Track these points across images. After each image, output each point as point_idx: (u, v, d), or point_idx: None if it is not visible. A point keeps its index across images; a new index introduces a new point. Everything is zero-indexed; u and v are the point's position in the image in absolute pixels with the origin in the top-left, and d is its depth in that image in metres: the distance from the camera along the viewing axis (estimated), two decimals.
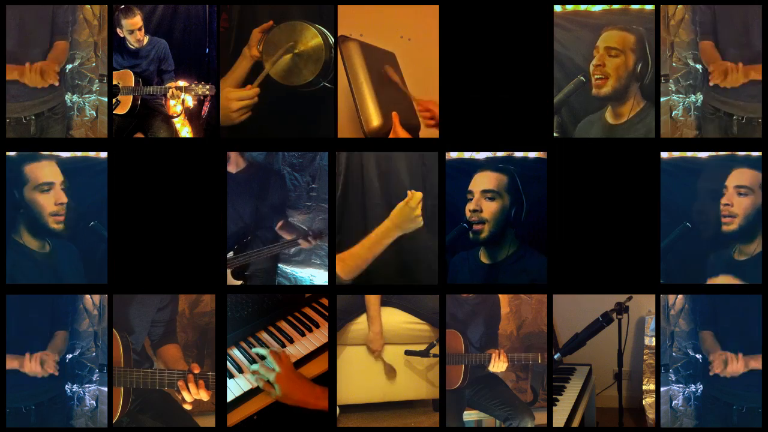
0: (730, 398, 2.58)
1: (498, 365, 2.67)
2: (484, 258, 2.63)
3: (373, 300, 2.73)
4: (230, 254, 2.69)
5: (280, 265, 2.92)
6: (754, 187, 2.57)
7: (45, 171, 2.56)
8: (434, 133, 2.62)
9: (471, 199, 2.58)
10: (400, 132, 2.49)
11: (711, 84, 2.59)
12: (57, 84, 2.61)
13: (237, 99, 2.62)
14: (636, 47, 2.60)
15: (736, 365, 2.55)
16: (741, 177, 2.58)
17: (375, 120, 2.47)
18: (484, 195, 2.57)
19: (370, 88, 2.48)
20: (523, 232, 2.60)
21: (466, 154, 2.65)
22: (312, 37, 2.61)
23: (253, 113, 2.64)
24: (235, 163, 2.74)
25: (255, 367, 2.38)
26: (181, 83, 2.75)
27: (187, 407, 2.48)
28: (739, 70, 2.58)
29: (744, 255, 2.59)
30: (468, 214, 2.58)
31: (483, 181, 2.59)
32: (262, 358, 2.40)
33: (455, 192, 2.62)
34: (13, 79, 2.60)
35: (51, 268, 2.60)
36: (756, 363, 2.57)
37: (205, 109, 2.78)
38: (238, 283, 2.73)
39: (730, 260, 2.59)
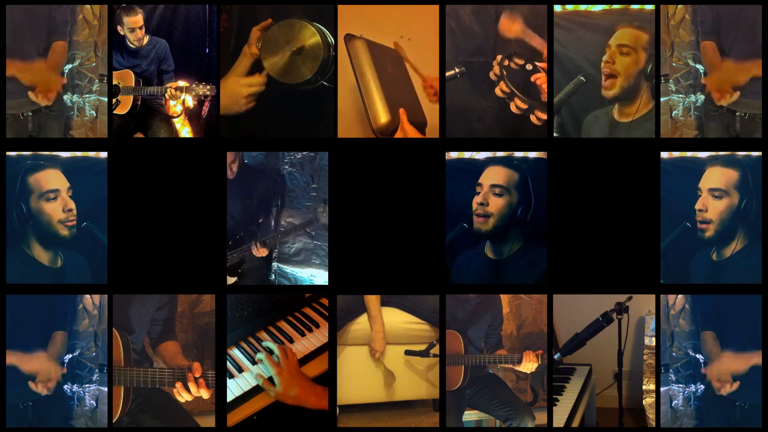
0: (733, 395, 2.58)
1: (528, 365, 2.66)
2: (489, 253, 2.64)
3: (373, 300, 2.73)
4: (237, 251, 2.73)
5: (280, 265, 2.92)
6: (729, 188, 2.56)
7: (49, 179, 2.57)
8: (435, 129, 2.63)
9: (479, 192, 2.59)
10: (407, 128, 2.50)
11: (717, 104, 2.60)
12: (51, 102, 2.62)
13: (247, 85, 2.65)
14: (648, 46, 2.60)
15: (728, 388, 2.57)
16: (715, 178, 2.56)
17: (383, 117, 2.48)
18: (492, 189, 2.58)
19: (377, 86, 2.49)
20: (528, 231, 2.61)
21: (467, 154, 2.65)
22: (310, 36, 2.62)
23: (258, 103, 2.66)
24: (230, 170, 2.74)
25: (260, 356, 2.38)
26: (182, 83, 2.75)
27: (186, 399, 2.48)
28: (733, 96, 2.58)
29: (721, 257, 2.59)
30: (474, 206, 2.59)
31: (493, 175, 2.60)
32: (271, 352, 2.40)
33: (456, 192, 2.62)
34: (12, 75, 2.61)
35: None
36: (757, 359, 2.57)
37: (205, 109, 2.78)
38: (233, 279, 2.73)
39: (710, 262, 2.60)
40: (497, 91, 2.62)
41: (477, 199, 2.60)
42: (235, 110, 2.67)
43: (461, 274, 2.65)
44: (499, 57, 2.62)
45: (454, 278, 2.65)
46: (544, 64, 2.62)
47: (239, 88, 2.66)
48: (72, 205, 2.56)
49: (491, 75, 2.63)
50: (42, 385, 2.56)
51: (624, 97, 2.63)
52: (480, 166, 2.63)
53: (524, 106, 2.59)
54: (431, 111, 2.65)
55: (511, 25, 2.61)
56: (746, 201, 2.55)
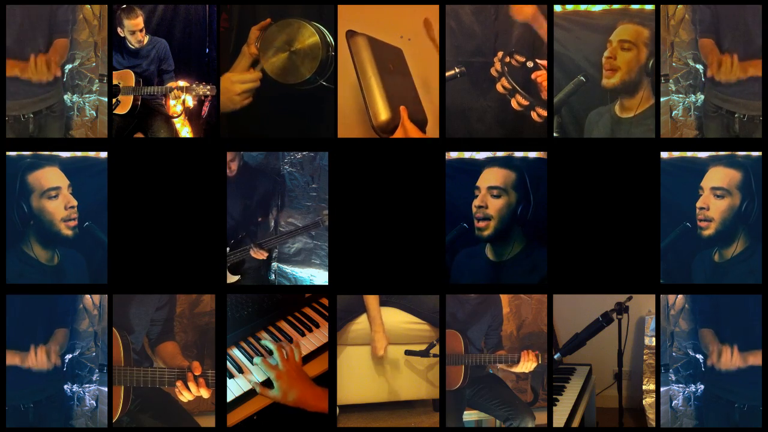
0: (731, 396, 2.58)
1: (527, 365, 2.65)
2: (490, 255, 2.64)
3: (372, 300, 2.73)
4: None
5: (280, 265, 2.92)
6: (731, 188, 2.56)
7: (49, 177, 2.57)
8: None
9: (477, 196, 2.60)
10: (408, 126, 2.50)
11: (709, 75, 2.59)
12: (59, 75, 2.61)
13: (240, 82, 2.65)
14: (649, 42, 2.60)
15: (729, 358, 2.55)
16: (717, 177, 2.56)
17: (383, 114, 2.48)
18: (490, 191, 2.58)
19: (378, 82, 2.49)
20: (531, 230, 2.61)
21: (467, 155, 2.65)
22: (309, 36, 2.62)
23: (254, 100, 2.66)
24: (229, 168, 2.74)
25: (257, 360, 2.38)
26: (182, 83, 2.75)
27: (187, 399, 2.48)
28: (734, 63, 2.58)
29: (723, 258, 2.59)
30: (474, 209, 2.59)
31: (490, 178, 2.60)
32: (270, 353, 2.40)
33: (456, 192, 2.62)
34: (13, 76, 2.61)
35: (57, 281, 2.61)
36: (756, 359, 2.57)
37: (205, 109, 2.78)
38: (236, 278, 2.73)
39: (711, 263, 2.60)
40: (498, 87, 2.62)
41: (476, 203, 2.60)
42: (230, 108, 2.66)
43: (460, 273, 2.65)
44: (500, 53, 2.62)
45: (454, 277, 2.65)
46: (544, 62, 2.62)
47: (231, 86, 2.65)
48: (74, 201, 2.57)
49: (492, 71, 2.63)
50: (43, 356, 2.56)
51: (624, 89, 2.63)
52: (479, 167, 2.63)
53: (525, 103, 2.59)
54: (432, 111, 2.65)
55: (522, 8, 2.61)
56: (747, 203, 2.55)
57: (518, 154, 2.64)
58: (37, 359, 2.55)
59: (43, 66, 2.59)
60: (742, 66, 2.58)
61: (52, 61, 2.60)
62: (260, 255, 2.78)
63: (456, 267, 2.65)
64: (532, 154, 2.63)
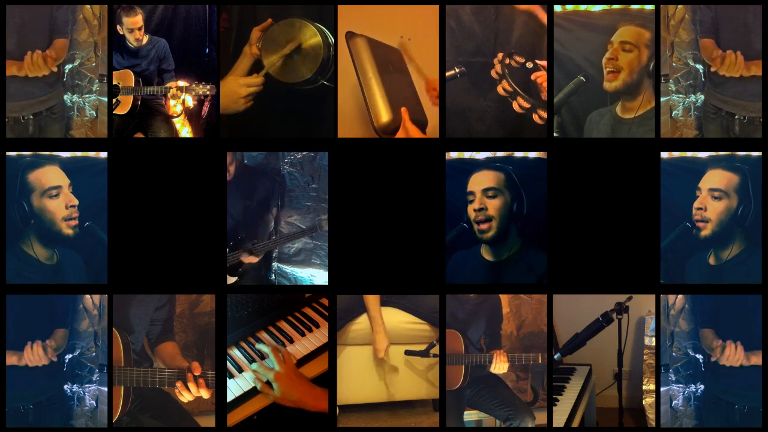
0: (731, 398, 2.58)
1: (499, 366, 2.67)
2: (486, 255, 2.64)
3: (372, 301, 2.73)
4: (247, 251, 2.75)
5: (280, 265, 2.92)
6: (729, 191, 2.56)
7: (49, 176, 2.57)
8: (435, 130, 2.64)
9: (473, 200, 2.59)
10: (409, 127, 2.50)
11: (712, 70, 2.59)
12: (56, 70, 2.61)
13: (246, 85, 2.66)
14: (650, 43, 2.61)
15: (734, 354, 2.55)
16: (715, 179, 2.57)
17: (384, 115, 2.48)
18: (485, 193, 2.58)
19: (379, 84, 2.49)
20: (527, 230, 2.61)
21: (466, 155, 2.65)
22: (311, 36, 2.63)
23: (255, 103, 2.68)
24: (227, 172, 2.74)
25: (254, 366, 2.38)
26: (182, 83, 2.75)
27: (187, 399, 2.48)
28: (738, 58, 2.58)
29: (719, 260, 2.59)
30: (473, 214, 2.59)
31: (482, 180, 2.60)
32: (264, 357, 2.40)
33: (456, 192, 2.62)
34: (12, 75, 2.61)
35: (56, 279, 2.61)
36: (756, 358, 2.57)
37: (205, 109, 2.78)
38: (234, 279, 2.74)
39: (706, 265, 2.60)
40: (499, 89, 2.63)
41: (473, 206, 2.59)
42: (233, 109, 2.67)
43: (456, 276, 2.64)
44: (500, 55, 2.63)
45: (449, 280, 2.64)
46: (544, 63, 2.62)
47: (238, 89, 2.66)
48: (75, 201, 2.57)
49: (493, 73, 2.64)
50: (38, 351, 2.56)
51: (625, 91, 2.63)
52: (470, 169, 2.63)
53: (527, 106, 2.59)
54: (432, 111, 2.65)
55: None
56: (743, 206, 2.55)
57: (518, 154, 2.64)
58: (33, 355, 2.55)
59: (40, 61, 2.59)
60: (745, 65, 2.58)
61: (49, 57, 2.60)
62: (251, 259, 2.78)
63: (450, 270, 2.64)
64: (533, 154, 2.63)
